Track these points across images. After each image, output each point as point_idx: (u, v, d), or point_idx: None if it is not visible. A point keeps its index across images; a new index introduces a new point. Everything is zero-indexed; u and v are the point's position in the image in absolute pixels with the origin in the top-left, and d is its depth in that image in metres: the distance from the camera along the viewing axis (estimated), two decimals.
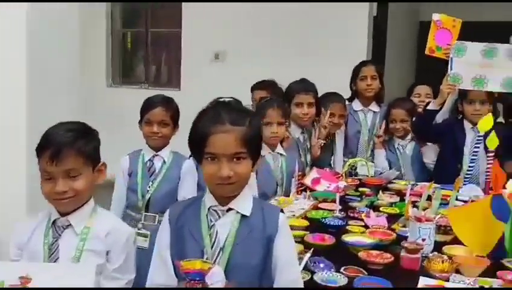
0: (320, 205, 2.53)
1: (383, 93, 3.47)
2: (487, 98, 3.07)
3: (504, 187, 2.76)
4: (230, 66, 6.03)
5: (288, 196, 2.65)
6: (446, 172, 3.14)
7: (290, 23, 5.64)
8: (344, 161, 3.31)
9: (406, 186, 2.90)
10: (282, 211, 1.53)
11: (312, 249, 1.86)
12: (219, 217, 1.46)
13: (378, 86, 3.40)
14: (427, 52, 3.13)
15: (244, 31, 5.90)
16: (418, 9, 7.22)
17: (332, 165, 3.32)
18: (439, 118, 3.29)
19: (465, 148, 3.12)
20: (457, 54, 3.04)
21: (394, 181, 3.07)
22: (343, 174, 3.04)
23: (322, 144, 3.10)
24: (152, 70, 7.00)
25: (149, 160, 2.48)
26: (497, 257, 1.87)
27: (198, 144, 1.42)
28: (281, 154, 2.79)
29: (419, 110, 3.34)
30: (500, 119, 3.31)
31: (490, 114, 2.84)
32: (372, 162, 3.27)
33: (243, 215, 1.46)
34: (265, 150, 2.76)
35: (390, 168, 3.25)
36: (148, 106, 2.45)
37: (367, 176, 3.17)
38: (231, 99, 2.11)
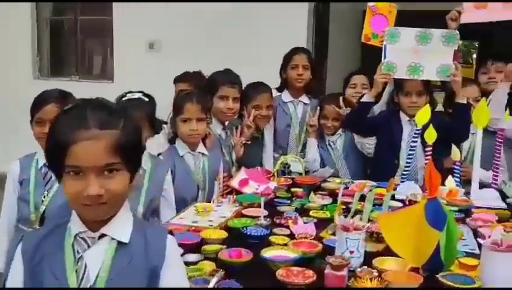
0: (244, 211, 2.27)
1: (314, 85, 3.24)
2: (424, 88, 2.90)
3: (443, 184, 2.62)
4: (166, 56, 5.68)
5: (211, 201, 2.37)
6: (383, 168, 2.97)
7: (227, 10, 5.36)
8: (274, 157, 3.07)
9: (342, 185, 2.70)
10: (171, 233, 1.25)
11: (222, 269, 1.60)
12: (88, 246, 1.16)
13: (309, 77, 3.16)
14: (363, 39, 2.92)
15: (181, 18, 5.57)
16: None
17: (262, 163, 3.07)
18: (377, 111, 3.10)
19: (402, 142, 2.94)
20: (390, 41, 2.84)
21: (329, 179, 2.85)
22: (275, 173, 2.81)
23: (244, 142, 2.84)
24: (83, 61, 6.53)
25: (44, 165, 2.12)
26: (433, 269, 1.67)
27: (56, 155, 1.12)
28: (202, 154, 2.51)
29: (354, 101, 3.13)
30: (439, 108, 3.15)
31: (428, 106, 2.65)
32: (303, 157, 3.03)
33: (120, 243, 1.17)
34: (184, 150, 2.48)
35: (324, 165, 3.03)
36: (39, 102, 2.09)
37: (300, 174, 2.94)
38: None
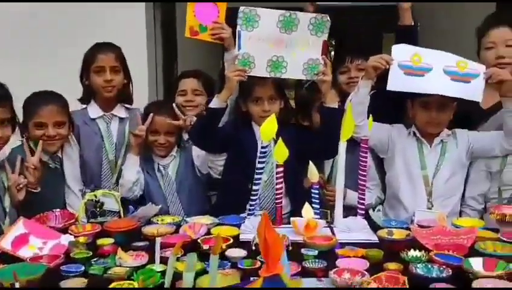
0: None
1: (130, 90, 2.49)
2: (276, 92, 2.31)
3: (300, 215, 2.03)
4: None
5: None
6: (231, 196, 2.30)
7: (50, 9, 4.38)
8: (84, 192, 2.28)
9: (170, 226, 2.00)
10: None
11: None
12: None
13: (121, 82, 2.40)
14: (187, 34, 2.25)
15: (5, 18, 4.46)
16: None
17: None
18: (221, 122, 2.42)
19: (257, 161, 2.29)
20: (246, 26, 2.20)
21: (154, 220, 2.10)
22: (78, 218, 2.04)
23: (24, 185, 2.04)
24: None
25: None
26: None
27: None
28: None
29: (191, 113, 2.44)
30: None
31: (273, 116, 2.03)
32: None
33: None
34: None
35: (150, 198, 2.31)
36: None
37: (118, 212, 2.17)
38: None
